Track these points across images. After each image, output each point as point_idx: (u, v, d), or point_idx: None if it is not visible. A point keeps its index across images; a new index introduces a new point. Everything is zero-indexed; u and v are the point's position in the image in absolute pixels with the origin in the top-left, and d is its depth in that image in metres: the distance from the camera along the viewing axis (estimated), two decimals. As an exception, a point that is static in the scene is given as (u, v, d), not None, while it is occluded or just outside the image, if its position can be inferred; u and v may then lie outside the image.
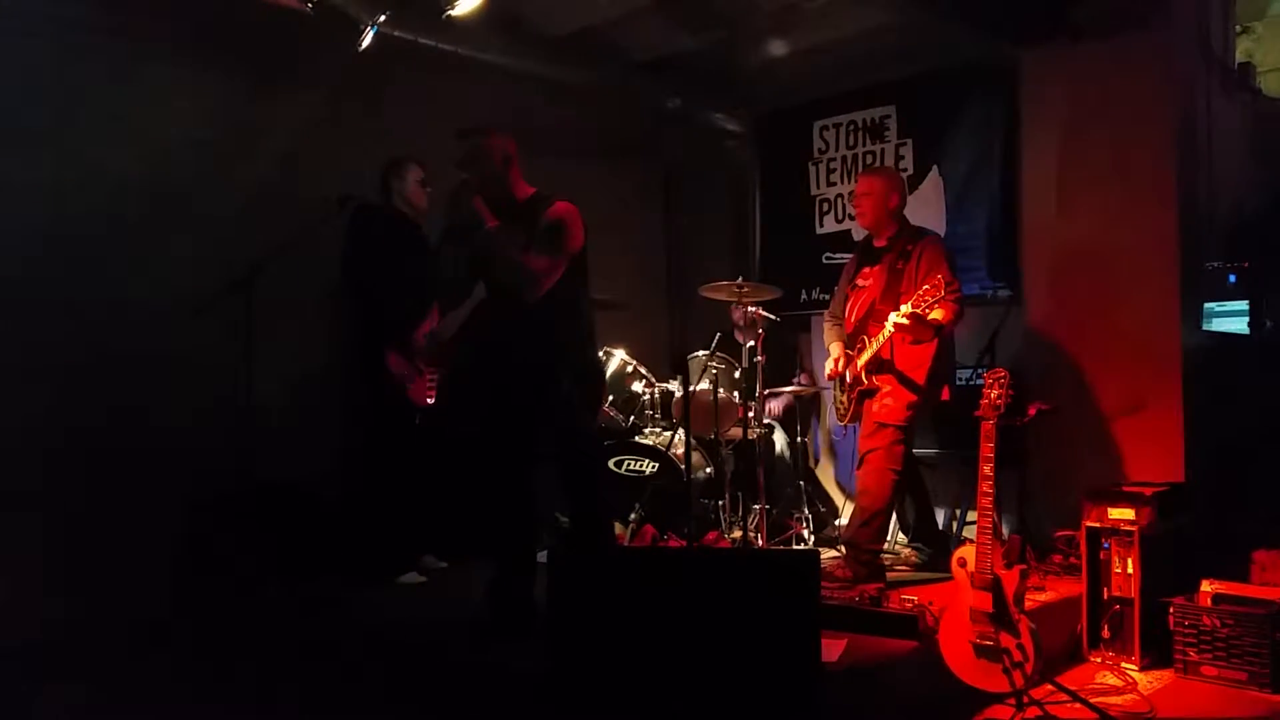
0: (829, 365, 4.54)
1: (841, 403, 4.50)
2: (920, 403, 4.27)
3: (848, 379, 4.42)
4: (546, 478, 4.00)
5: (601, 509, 4.05)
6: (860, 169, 5.83)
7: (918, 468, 4.74)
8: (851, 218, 5.55)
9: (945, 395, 4.35)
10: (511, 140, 3.74)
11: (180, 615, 4.11)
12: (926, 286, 3.95)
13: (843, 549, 5.04)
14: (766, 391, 5.10)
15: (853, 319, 4.47)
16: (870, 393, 4.34)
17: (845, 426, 4.69)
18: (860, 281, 4.50)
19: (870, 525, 4.27)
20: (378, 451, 4.62)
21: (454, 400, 4.66)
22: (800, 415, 5.53)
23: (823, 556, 4.46)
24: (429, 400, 4.56)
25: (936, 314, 4.06)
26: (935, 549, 4.66)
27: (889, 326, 4.12)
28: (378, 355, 4.51)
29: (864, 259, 4.56)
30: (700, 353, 5.23)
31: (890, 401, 4.27)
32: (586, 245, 3.75)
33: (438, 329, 4.56)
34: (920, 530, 4.76)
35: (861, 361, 4.32)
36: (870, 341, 4.28)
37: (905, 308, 4.00)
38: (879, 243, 4.47)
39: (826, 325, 4.73)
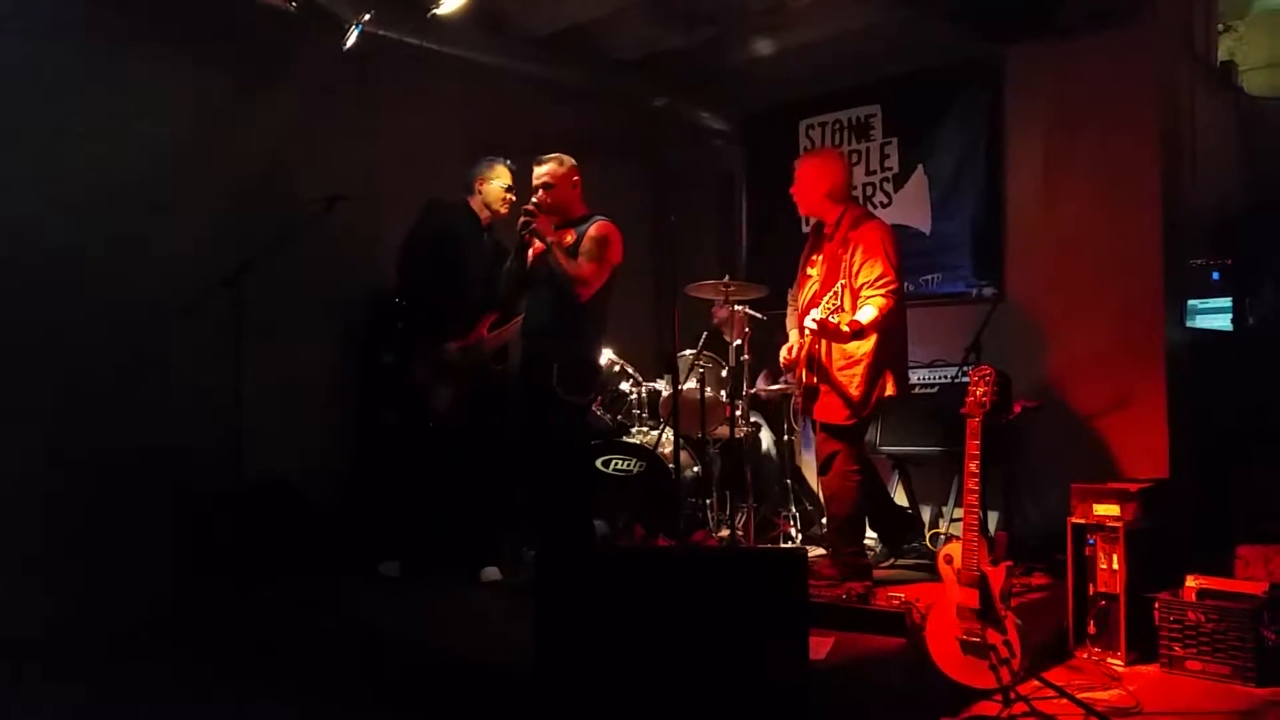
0: (782, 353, 4.33)
1: (795, 398, 4.38)
2: (861, 402, 4.04)
3: (798, 370, 4.26)
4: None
5: (580, 505, 4.29)
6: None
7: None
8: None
9: (893, 390, 4.08)
10: (577, 167, 4.35)
11: (175, 613, 4.10)
12: (828, 295, 3.84)
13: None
14: (759, 386, 5.11)
15: (800, 308, 4.29)
16: (812, 390, 4.15)
17: (804, 421, 4.63)
18: (809, 269, 4.33)
19: (844, 530, 4.19)
20: (388, 449, 4.60)
21: (479, 412, 4.63)
22: (787, 413, 5.53)
23: (810, 554, 4.47)
24: (441, 409, 4.49)
25: (868, 311, 3.89)
26: (892, 525, 4.57)
27: (806, 329, 3.98)
28: (407, 356, 4.48)
29: (814, 245, 4.36)
30: (687, 351, 5.23)
31: (830, 400, 4.09)
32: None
33: (480, 344, 4.51)
34: (875, 517, 4.66)
35: (800, 356, 4.13)
36: (805, 336, 4.09)
37: (816, 312, 3.85)
38: (826, 229, 4.26)
39: (789, 311, 4.54)
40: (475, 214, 4.57)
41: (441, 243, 4.50)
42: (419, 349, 4.47)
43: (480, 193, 4.56)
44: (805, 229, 6.12)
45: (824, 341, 4.07)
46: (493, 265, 4.52)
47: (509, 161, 4.60)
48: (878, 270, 3.99)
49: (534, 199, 4.23)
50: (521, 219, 4.17)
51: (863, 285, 4.01)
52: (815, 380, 4.13)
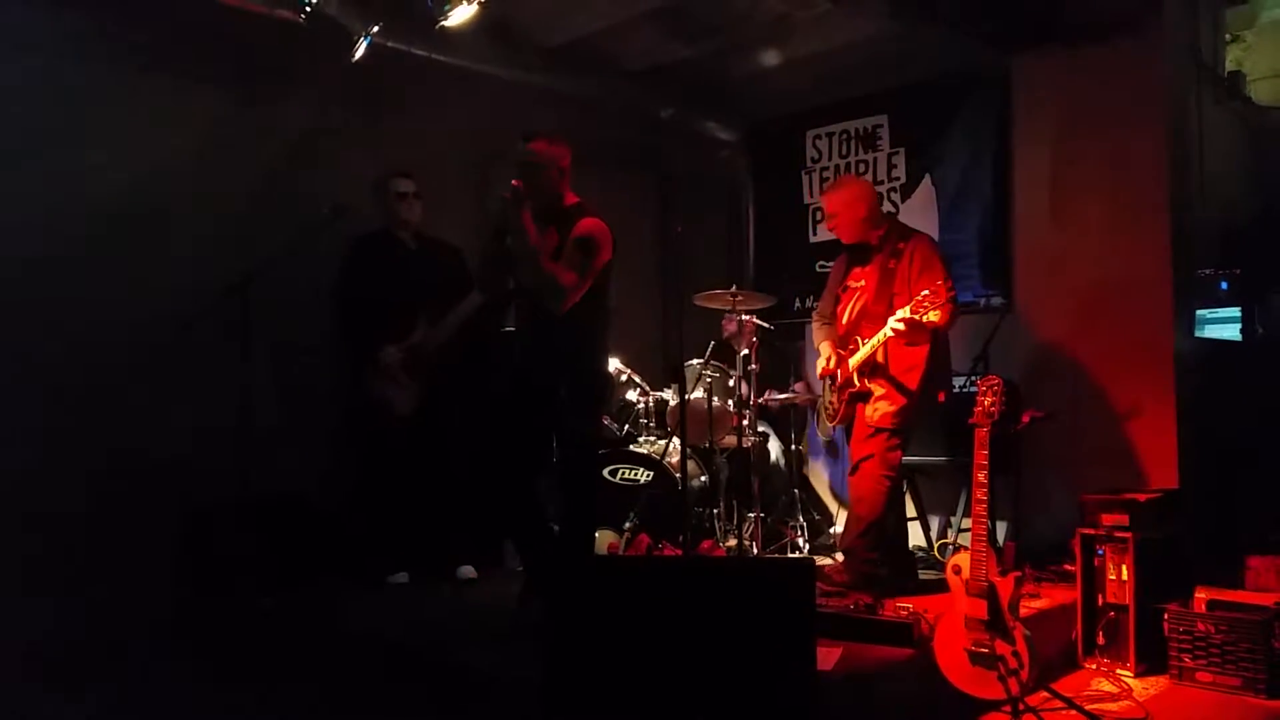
0: (821, 363, 4.45)
1: (831, 404, 4.40)
2: (914, 406, 4.17)
3: (838, 379, 4.35)
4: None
5: (588, 520, 4.09)
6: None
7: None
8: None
9: (941, 398, 4.25)
10: (568, 150, 3.83)
11: (180, 622, 4.11)
12: (926, 292, 3.84)
13: (839, 556, 5.03)
14: (767, 395, 5.09)
15: (845, 320, 4.38)
16: (862, 395, 4.23)
17: (834, 429, 4.60)
18: (852, 283, 4.40)
19: (867, 535, 4.19)
20: (364, 461, 4.66)
21: (444, 409, 4.65)
22: (795, 423, 5.53)
23: (817, 563, 4.44)
24: (408, 411, 4.54)
25: (932, 316, 3.95)
26: (894, 566, 4.31)
27: (886, 330, 4.01)
28: (357, 371, 4.57)
29: (854, 259, 4.44)
30: (695, 361, 5.23)
31: (884, 405, 4.16)
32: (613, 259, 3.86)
33: (424, 340, 4.57)
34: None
35: (854, 362, 4.21)
36: (863, 343, 4.18)
37: (903, 312, 3.92)
38: (873, 243, 4.34)
39: (816, 325, 4.65)
40: (392, 232, 4.71)
41: (366, 271, 4.62)
42: (363, 359, 4.55)
43: (388, 209, 4.69)
44: (813, 237, 6.17)
45: (884, 346, 4.12)
46: (420, 267, 4.64)
47: (397, 173, 4.71)
48: (936, 281, 4.01)
49: (513, 182, 3.65)
50: (503, 204, 3.64)
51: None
52: (868, 384, 4.18)
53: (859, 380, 4.22)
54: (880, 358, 4.17)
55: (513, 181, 3.66)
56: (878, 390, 4.18)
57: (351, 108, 5.11)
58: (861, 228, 4.33)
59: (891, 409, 4.15)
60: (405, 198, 4.68)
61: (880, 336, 4.07)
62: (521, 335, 4.06)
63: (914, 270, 4.15)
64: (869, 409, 4.20)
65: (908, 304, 3.97)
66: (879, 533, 4.24)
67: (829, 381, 4.43)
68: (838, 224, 4.37)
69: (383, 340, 4.55)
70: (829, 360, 4.39)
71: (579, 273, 3.69)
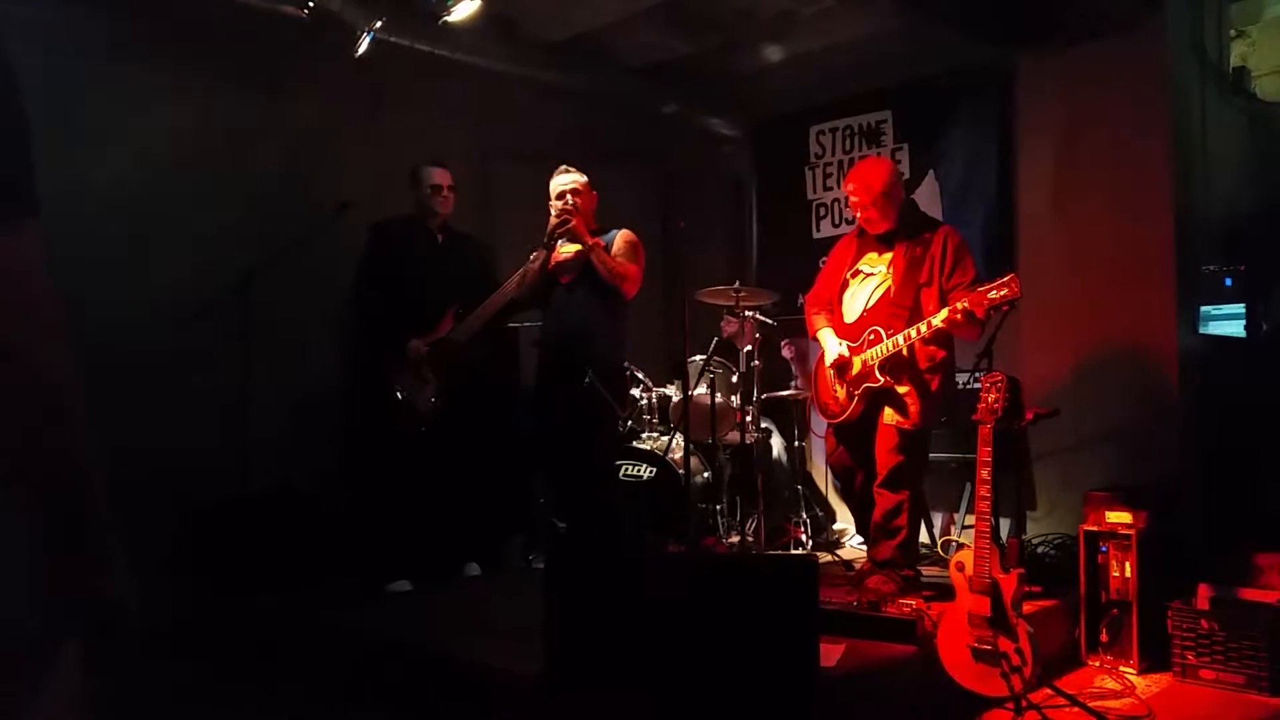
0: (830, 355, 4.04)
1: (839, 399, 4.05)
2: (938, 404, 3.91)
3: (849, 372, 3.98)
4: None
5: (607, 510, 4.30)
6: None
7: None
8: (849, 221, 5.54)
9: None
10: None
11: (179, 619, 4.10)
12: (994, 288, 3.59)
13: (841, 553, 5.03)
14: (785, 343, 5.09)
15: (859, 309, 4.04)
16: (884, 393, 3.90)
17: (834, 425, 4.53)
18: (865, 267, 4.10)
19: (906, 546, 3.99)
20: (374, 459, 4.65)
21: (465, 406, 4.65)
22: (797, 418, 5.53)
23: (856, 569, 4.43)
24: (429, 408, 4.53)
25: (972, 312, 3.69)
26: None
27: (935, 321, 3.71)
28: (376, 363, 4.53)
29: (868, 243, 4.13)
30: (697, 357, 5.23)
31: (911, 404, 3.85)
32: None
33: (452, 334, 4.57)
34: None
35: (876, 354, 3.87)
36: (885, 335, 3.85)
37: (961, 304, 3.63)
38: (887, 227, 4.04)
39: (814, 312, 4.28)
40: (423, 220, 4.65)
41: (391, 261, 4.57)
42: (385, 353, 4.52)
43: (420, 201, 4.63)
44: (816, 233, 6.16)
45: (908, 341, 3.84)
46: (447, 262, 4.62)
47: (432, 163, 4.64)
48: (970, 273, 3.90)
49: (572, 201, 4.31)
50: (559, 219, 4.25)
51: (955, 285, 3.86)
52: (890, 381, 3.87)
53: (882, 376, 3.87)
54: (906, 353, 3.86)
55: (570, 199, 4.31)
56: (903, 388, 3.87)
57: (354, 104, 5.11)
58: (897, 211, 4.02)
59: (919, 407, 3.86)
60: (439, 191, 4.61)
61: (924, 326, 3.75)
62: (559, 327, 4.43)
63: (948, 261, 3.88)
64: (890, 412, 3.89)
65: (937, 296, 3.83)
66: (916, 540, 4.12)
67: (833, 374, 4.06)
68: (878, 213, 3.99)
69: (407, 334, 4.49)
70: (838, 353, 4.02)
71: (636, 265, 4.36)
